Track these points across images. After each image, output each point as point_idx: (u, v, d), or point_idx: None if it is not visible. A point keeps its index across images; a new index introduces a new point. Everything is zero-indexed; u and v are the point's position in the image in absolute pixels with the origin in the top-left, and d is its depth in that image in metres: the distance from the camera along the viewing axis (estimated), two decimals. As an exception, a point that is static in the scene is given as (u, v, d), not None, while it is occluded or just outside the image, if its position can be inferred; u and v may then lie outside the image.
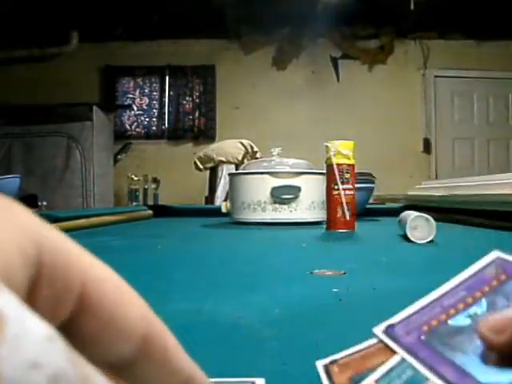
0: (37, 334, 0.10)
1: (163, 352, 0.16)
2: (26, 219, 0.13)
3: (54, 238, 0.14)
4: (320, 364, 0.23)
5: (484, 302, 0.22)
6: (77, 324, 0.14)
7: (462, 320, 0.21)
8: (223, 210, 1.56)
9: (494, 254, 0.24)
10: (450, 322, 0.22)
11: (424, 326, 0.22)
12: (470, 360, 0.20)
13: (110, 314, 0.14)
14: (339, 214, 1.20)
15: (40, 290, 0.13)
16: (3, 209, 0.13)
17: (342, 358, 0.24)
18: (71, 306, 0.14)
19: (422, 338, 0.21)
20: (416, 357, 0.21)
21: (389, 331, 0.23)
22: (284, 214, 1.40)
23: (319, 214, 1.42)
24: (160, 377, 0.16)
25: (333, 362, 0.23)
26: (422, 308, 0.23)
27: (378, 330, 0.23)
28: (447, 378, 0.19)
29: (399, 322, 0.23)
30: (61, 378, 0.10)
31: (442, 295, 0.23)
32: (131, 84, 4.90)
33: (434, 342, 0.21)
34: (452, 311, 0.22)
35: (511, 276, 0.22)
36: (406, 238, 0.90)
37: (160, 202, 3.95)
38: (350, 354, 0.24)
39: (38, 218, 0.14)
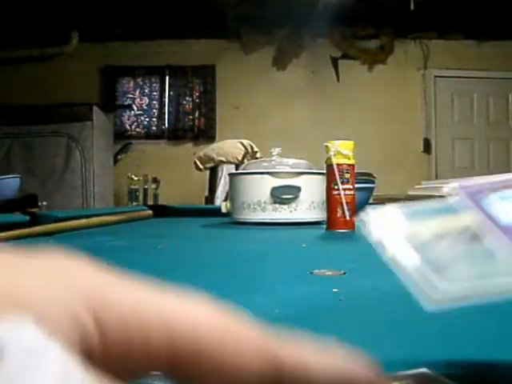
0: (48, 369, 0.09)
1: (302, 372, 0.14)
2: (84, 278, 0.12)
3: (124, 298, 0.12)
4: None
5: None
6: (183, 378, 0.13)
7: None
8: (223, 210, 1.56)
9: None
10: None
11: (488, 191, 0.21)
12: None
13: (217, 363, 0.12)
14: (339, 214, 1.20)
15: (107, 360, 0.12)
16: (56, 264, 0.12)
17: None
18: (163, 365, 0.12)
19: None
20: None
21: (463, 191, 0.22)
22: (284, 213, 1.40)
23: (319, 214, 1.42)
24: None
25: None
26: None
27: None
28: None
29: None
30: None
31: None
32: (131, 84, 4.90)
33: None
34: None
35: None
36: (406, 238, 0.90)
37: (160, 202, 3.94)
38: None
39: (100, 271, 0.13)
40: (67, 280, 0.12)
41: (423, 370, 0.25)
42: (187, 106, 4.90)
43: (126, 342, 0.12)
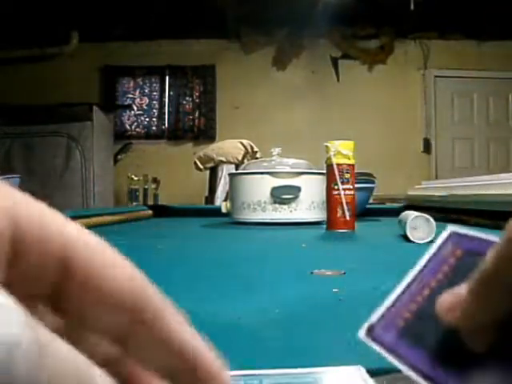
0: None
1: (161, 326, 0.15)
2: (1, 195, 0.13)
3: (32, 210, 0.13)
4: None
5: (446, 282, 0.21)
6: (63, 299, 0.14)
7: (428, 307, 0.21)
8: (223, 210, 1.56)
9: (449, 230, 0.24)
10: (420, 310, 0.21)
11: (399, 321, 0.22)
12: (441, 347, 0.19)
13: (100, 282, 0.14)
14: (339, 214, 1.20)
15: (17, 264, 0.13)
16: None
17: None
18: (53, 273, 0.13)
19: (399, 333, 0.21)
20: (397, 355, 0.20)
21: (371, 334, 0.22)
22: (284, 213, 1.40)
23: (319, 214, 1.42)
24: (155, 342, 0.15)
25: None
26: (396, 300, 0.23)
27: (362, 333, 0.23)
28: (423, 371, 0.19)
29: (378, 321, 0.22)
30: (13, 344, 0.10)
31: (410, 283, 0.23)
32: (131, 84, 4.90)
33: (410, 336, 0.21)
34: (419, 299, 0.22)
35: (466, 250, 0.22)
36: (406, 237, 0.90)
37: (160, 202, 3.94)
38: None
39: (16, 191, 0.14)
40: None
41: (357, 366, 0.25)
42: (187, 106, 4.90)
43: (31, 247, 0.13)
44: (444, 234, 0.24)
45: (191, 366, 0.15)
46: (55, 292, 0.14)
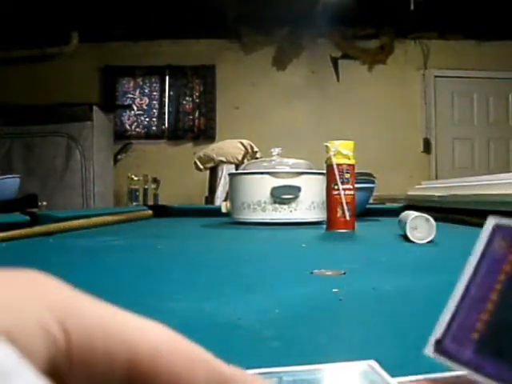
0: None
1: None
2: (54, 294, 0.13)
3: (90, 312, 0.13)
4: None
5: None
6: None
7: (505, 314, 0.19)
8: (223, 210, 1.56)
9: (493, 222, 0.21)
10: (495, 319, 0.19)
11: (472, 332, 0.20)
12: None
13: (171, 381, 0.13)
14: (339, 214, 1.20)
15: (76, 374, 0.12)
16: (28, 281, 0.13)
17: (410, 381, 0.23)
18: (121, 379, 0.13)
19: (477, 347, 0.19)
20: (478, 370, 0.19)
21: (440, 349, 0.21)
22: (284, 213, 1.40)
23: (319, 214, 1.42)
24: None
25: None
26: (457, 309, 0.21)
27: (429, 350, 0.21)
28: None
29: (445, 335, 0.21)
30: None
31: (467, 288, 0.21)
32: (131, 84, 4.90)
33: (491, 348, 0.19)
34: (489, 306, 0.20)
35: None
36: (406, 237, 0.90)
37: (160, 202, 3.95)
38: (418, 379, 0.23)
39: (70, 289, 0.13)
40: (35, 293, 0.12)
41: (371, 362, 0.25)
42: (187, 106, 4.90)
43: (90, 354, 0.12)
44: (488, 228, 0.21)
45: None
46: None
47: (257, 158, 3.04)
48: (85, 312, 0.13)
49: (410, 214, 0.92)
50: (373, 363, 0.24)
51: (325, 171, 1.25)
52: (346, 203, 1.20)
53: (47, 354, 0.12)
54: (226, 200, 2.06)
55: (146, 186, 4.38)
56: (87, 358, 0.12)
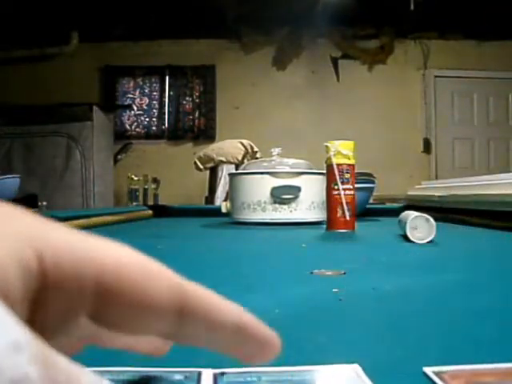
0: (0, 342, 0.10)
1: (203, 313, 0.16)
2: (27, 225, 0.13)
3: (60, 238, 0.14)
4: (430, 371, 0.23)
5: None
6: (105, 316, 0.14)
7: None
8: (223, 210, 1.56)
9: None
10: None
11: None
12: None
13: (134, 299, 0.14)
14: (339, 214, 1.20)
15: (48, 294, 0.13)
16: (1, 216, 0.13)
17: (450, 370, 0.24)
18: (89, 301, 0.14)
19: None
20: None
21: None
22: (284, 213, 1.40)
23: (319, 214, 1.42)
24: (209, 334, 0.16)
25: (442, 372, 0.23)
26: None
27: None
28: None
29: None
30: (22, 381, 0.10)
31: None
32: (131, 84, 4.90)
33: None
34: None
35: None
36: (406, 237, 0.90)
37: (160, 202, 3.95)
38: (459, 370, 0.24)
39: (42, 219, 0.14)
40: (8, 224, 0.13)
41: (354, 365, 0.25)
42: (187, 106, 4.90)
43: (60, 275, 0.13)
44: None
45: (245, 336, 0.17)
46: (96, 309, 0.14)
47: (257, 158, 3.04)
48: (54, 236, 0.14)
49: (410, 214, 0.92)
50: (356, 367, 0.24)
51: (325, 171, 1.25)
52: (346, 203, 1.20)
53: (24, 284, 0.12)
54: (226, 200, 2.06)
55: (146, 186, 4.38)
56: (58, 280, 0.13)
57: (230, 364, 0.26)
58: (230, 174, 1.60)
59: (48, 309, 0.13)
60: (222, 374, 0.24)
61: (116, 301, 0.14)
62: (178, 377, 0.23)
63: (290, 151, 1.82)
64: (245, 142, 3.28)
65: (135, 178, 4.28)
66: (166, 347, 0.21)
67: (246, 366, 0.23)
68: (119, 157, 4.72)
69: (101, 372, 0.23)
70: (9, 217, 0.13)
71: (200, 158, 3.35)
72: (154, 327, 0.15)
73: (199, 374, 0.24)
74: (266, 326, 0.18)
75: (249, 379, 0.23)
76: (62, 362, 0.11)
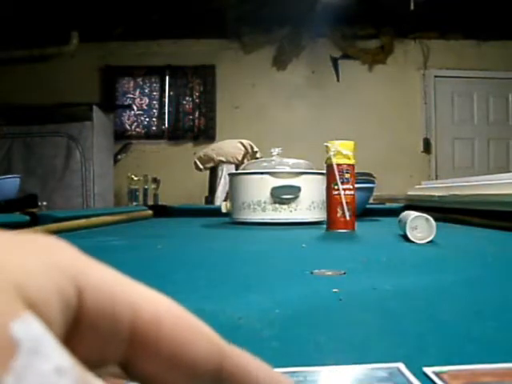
0: (45, 366, 0.10)
1: (241, 378, 0.15)
2: (68, 259, 0.13)
3: (98, 274, 0.13)
4: (430, 371, 0.24)
5: None
6: (136, 366, 0.13)
7: None
8: (223, 210, 1.56)
9: None
10: None
11: None
12: None
13: (172, 352, 0.13)
14: (339, 214, 1.20)
15: (83, 333, 0.13)
16: (41, 247, 0.13)
17: (450, 370, 0.24)
18: (122, 347, 0.13)
19: None
20: None
21: None
22: (284, 213, 1.40)
23: (319, 214, 1.42)
24: None
25: (442, 372, 0.24)
26: None
27: None
28: None
29: None
30: None
31: None
32: (131, 84, 4.90)
33: None
34: None
35: None
36: (406, 237, 0.90)
37: (160, 202, 3.94)
38: (458, 370, 0.24)
39: (82, 254, 0.14)
40: (49, 257, 0.13)
41: (399, 364, 0.25)
42: (187, 106, 4.90)
43: (97, 314, 0.13)
44: None
45: None
46: (128, 357, 0.13)
47: (257, 158, 3.04)
48: (94, 274, 0.13)
49: (410, 214, 0.92)
50: (401, 366, 0.24)
51: (325, 171, 1.25)
52: (346, 203, 1.20)
53: (64, 318, 0.12)
54: (226, 200, 2.06)
55: (146, 186, 4.38)
56: (94, 318, 0.13)
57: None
58: (230, 174, 1.60)
59: (81, 348, 0.13)
60: None
61: (151, 351, 0.13)
62: None
63: (289, 151, 1.82)
64: (245, 142, 3.28)
65: (135, 178, 4.28)
66: None
67: (290, 366, 0.23)
68: (119, 157, 4.72)
69: None
70: (51, 249, 0.13)
71: (200, 158, 3.35)
72: (187, 380, 0.14)
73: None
74: None
75: (295, 378, 0.23)
76: None
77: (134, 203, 4.08)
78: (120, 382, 0.15)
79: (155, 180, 4.44)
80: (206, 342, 0.14)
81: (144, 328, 0.13)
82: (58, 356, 0.11)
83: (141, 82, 4.90)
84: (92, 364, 0.13)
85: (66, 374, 0.10)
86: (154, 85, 4.91)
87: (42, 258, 0.13)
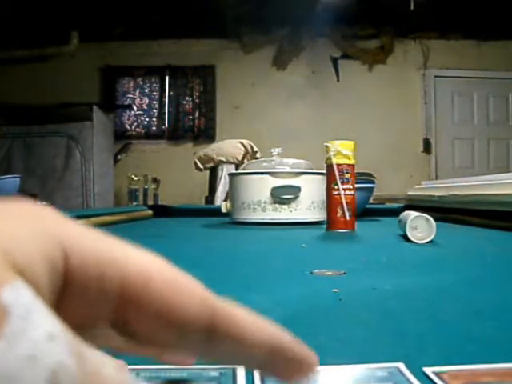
0: (37, 332, 0.10)
1: (236, 331, 0.15)
2: (53, 223, 0.13)
3: (85, 238, 0.14)
4: (430, 371, 0.24)
5: None
6: (128, 326, 0.14)
7: None
8: (223, 210, 1.56)
9: None
10: None
11: None
12: None
13: (162, 309, 0.14)
14: (339, 214, 1.20)
15: (71, 296, 0.13)
16: (28, 213, 0.13)
17: (450, 370, 0.24)
18: (112, 307, 0.13)
19: None
20: None
21: None
22: (284, 213, 1.40)
23: (319, 214, 1.42)
24: (242, 353, 0.15)
25: (442, 372, 0.24)
26: None
27: None
28: None
29: None
30: (60, 370, 0.10)
31: None
32: (131, 84, 4.90)
33: None
34: None
35: None
36: (406, 237, 0.90)
37: (160, 202, 3.94)
38: (458, 370, 0.24)
39: (67, 218, 0.14)
40: (37, 223, 0.13)
41: (399, 364, 0.25)
42: (187, 106, 4.90)
43: (84, 276, 0.13)
44: None
45: (280, 356, 0.16)
46: (119, 317, 0.14)
47: (257, 158, 3.04)
48: (79, 236, 0.13)
49: (410, 214, 0.92)
50: (401, 365, 0.25)
51: (325, 171, 1.25)
52: (346, 203, 1.20)
53: (50, 282, 0.12)
54: (226, 200, 2.06)
55: (146, 186, 4.38)
56: (82, 280, 0.13)
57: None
58: (230, 174, 1.60)
59: (70, 310, 0.13)
60: None
61: (141, 310, 0.14)
62: (213, 373, 0.24)
63: (289, 151, 1.82)
64: (245, 142, 3.28)
65: (135, 178, 4.28)
66: (193, 359, 0.21)
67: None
68: (119, 157, 4.72)
69: (137, 370, 0.24)
70: (37, 215, 0.13)
71: (200, 158, 3.35)
72: (182, 343, 0.14)
73: (234, 370, 0.25)
74: (302, 344, 0.17)
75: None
76: (88, 352, 0.12)
77: (134, 203, 4.08)
78: (121, 363, 0.15)
79: (155, 180, 4.44)
80: (198, 299, 0.14)
81: (132, 287, 0.13)
82: (48, 322, 0.11)
83: (141, 82, 4.90)
84: (83, 325, 0.13)
85: (56, 340, 0.11)
86: (154, 85, 4.91)
87: (29, 225, 0.13)
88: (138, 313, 0.14)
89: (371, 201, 1.84)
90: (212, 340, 0.15)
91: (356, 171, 1.25)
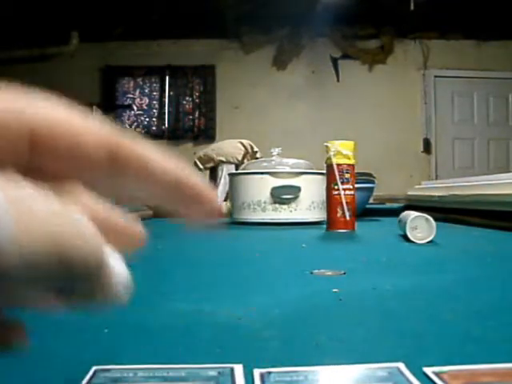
0: None
1: (137, 162, 0.16)
2: None
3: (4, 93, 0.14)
4: (429, 371, 0.24)
5: None
6: (39, 165, 0.15)
7: None
8: (223, 210, 1.56)
9: None
10: None
11: None
12: None
13: (66, 143, 0.15)
14: (339, 214, 1.20)
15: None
16: None
17: (450, 370, 0.24)
18: (26, 148, 0.14)
19: None
20: None
21: None
22: (284, 214, 1.40)
23: (319, 214, 1.42)
24: (145, 185, 0.16)
25: (442, 372, 0.24)
26: None
27: None
28: None
29: None
30: None
31: None
32: (131, 84, 4.90)
33: None
34: None
35: None
36: (406, 237, 0.90)
37: (160, 202, 3.94)
38: (458, 370, 0.24)
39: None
40: None
41: (399, 364, 0.25)
42: (187, 106, 4.90)
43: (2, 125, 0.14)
44: None
45: (183, 190, 0.17)
46: (31, 159, 0.15)
47: (257, 158, 3.04)
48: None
49: (410, 214, 0.92)
50: (401, 366, 0.25)
51: (325, 171, 1.25)
52: (346, 203, 1.20)
53: None
54: (226, 200, 2.06)
55: (146, 186, 4.37)
56: (6, 131, 0.14)
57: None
58: (230, 174, 1.60)
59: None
60: (269, 373, 0.24)
61: (49, 148, 0.15)
62: (211, 373, 0.25)
63: (289, 151, 1.82)
64: (245, 142, 3.27)
65: (135, 178, 4.28)
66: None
67: (290, 366, 0.23)
68: (119, 157, 4.72)
69: (136, 370, 0.24)
70: None
71: (200, 158, 3.35)
72: (88, 172, 0.15)
73: (232, 369, 0.25)
74: (206, 183, 0.18)
75: (295, 378, 0.24)
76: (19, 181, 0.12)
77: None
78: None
79: (155, 180, 4.44)
80: (97, 131, 0.15)
81: (40, 133, 0.14)
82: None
83: (141, 82, 4.90)
84: None
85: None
86: (154, 85, 4.91)
87: None
88: (46, 151, 0.15)
89: (371, 201, 1.84)
90: (116, 174, 0.16)
91: (356, 171, 1.25)
